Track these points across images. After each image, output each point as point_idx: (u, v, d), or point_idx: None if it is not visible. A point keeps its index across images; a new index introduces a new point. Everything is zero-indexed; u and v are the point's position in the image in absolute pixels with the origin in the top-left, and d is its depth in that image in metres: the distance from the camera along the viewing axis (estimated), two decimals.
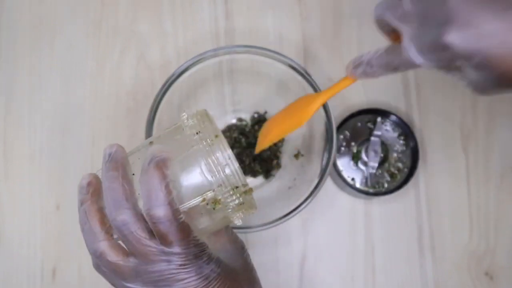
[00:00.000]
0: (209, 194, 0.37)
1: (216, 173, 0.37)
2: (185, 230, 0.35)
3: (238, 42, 0.68)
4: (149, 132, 0.57)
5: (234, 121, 0.66)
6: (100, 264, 0.38)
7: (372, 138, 0.62)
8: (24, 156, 0.66)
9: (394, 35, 0.41)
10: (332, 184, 0.65)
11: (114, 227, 0.35)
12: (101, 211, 0.37)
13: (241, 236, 0.64)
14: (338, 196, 0.65)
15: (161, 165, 0.35)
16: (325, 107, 0.57)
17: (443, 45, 0.33)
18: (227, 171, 0.37)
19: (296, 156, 0.63)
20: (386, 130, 0.63)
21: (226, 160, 0.37)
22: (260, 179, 0.65)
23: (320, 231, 0.64)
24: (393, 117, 0.63)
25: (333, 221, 0.64)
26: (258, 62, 0.59)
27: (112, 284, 0.39)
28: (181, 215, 0.35)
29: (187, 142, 0.38)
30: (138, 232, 0.35)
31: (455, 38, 0.33)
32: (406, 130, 0.63)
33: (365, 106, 0.65)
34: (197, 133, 0.38)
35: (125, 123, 0.67)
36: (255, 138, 0.65)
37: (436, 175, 0.65)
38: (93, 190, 0.38)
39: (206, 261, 0.37)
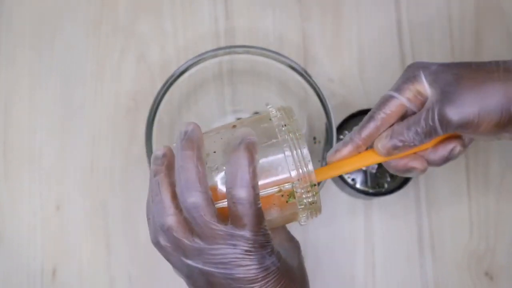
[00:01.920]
0: (287, 186, 0.38)
1: (300, 167, 0.38)
2: (260, 217, 0.36)
3: (238, 42, 0.68)
4: (149, 132, 0.57)
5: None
6: (165, 238, 0.38)
7: None
8: (24, 156, 0.66)
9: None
10: (332, 184, 0.65)
11: (184, 208, 0.36)
12: (173, 185, 0.37)
13: None
14: (338, 196, 0.65)
15: (251, 147, 0.36)
16: (325, 107, 0.57)
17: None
18: (310, 167, 0.38)
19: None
20: None
21: (308, 157, 0.38)
22: None
23: (320, 231, 0.64)
24: None
25: (333, 221, 0.64)
26: (258, 63, 0.59)
27: (168, 260, 0.39)
28: (260, 201, 0.36)
29: (274, 132, 0.39)
30: (207, 216, 0.35)
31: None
32: None
33: (365, 106, 0.65)
34: (285, 125, 0.39)
35: (125, 123, 0.67)
36: None
37: (436, 175, 0.65)
38: (168, 163, 0.38)
39: (270, 252, 0.37)
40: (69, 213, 0.65)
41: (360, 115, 0.63)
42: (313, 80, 0.57)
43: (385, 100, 0.43)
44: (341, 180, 0.61)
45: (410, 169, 0.43)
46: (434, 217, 0.64)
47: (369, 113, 0.43)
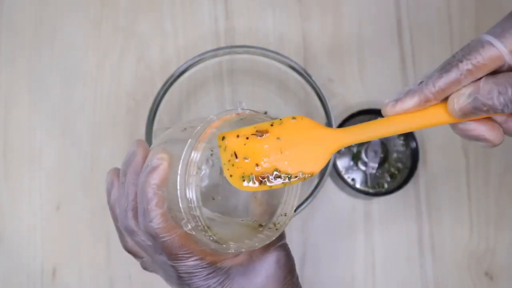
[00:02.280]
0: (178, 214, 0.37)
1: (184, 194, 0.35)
2: (170, 247, 0.37)
3: (238, 42, 0.68)
4: (149, 132, 0.57)
5: None
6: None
7: None
8: (24, 156, 0.66)
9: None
10: (332, 184, 0.65)
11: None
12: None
13: None
14: (338, 196, 0.65)
15: (155, 176, 0.36)
16: (325, 107, 0.57)
17: None
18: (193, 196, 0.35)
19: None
20: None
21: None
22: None
23: (320, 231, 0.64)
24: None
25: (333, 221, 0.64)
26: (258, 62, 0.59)
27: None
28: (163, 235, 0.36)
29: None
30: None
31: None
32: None
33: (365, 106, 0.65)
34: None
35: (125, 123, 0.67)
36: None
37: (436, 175, 0.65)
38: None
39: (204, 277, 0.37)
40: (69, 213, 0.65)
41: (360, 115, 0.63)
42: (313, 80, 0.57)
43: (479, 46, 0.32)
44: (341, 180, 0.61)
45: (483, 141, 0.34)
46: (434, 217, 0.64)
47: (450, 58, 0.33)
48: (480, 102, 0.32)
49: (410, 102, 0.33)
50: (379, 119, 0.35)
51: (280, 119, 0.35)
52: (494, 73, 0.32)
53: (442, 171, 0.65)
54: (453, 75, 0.32)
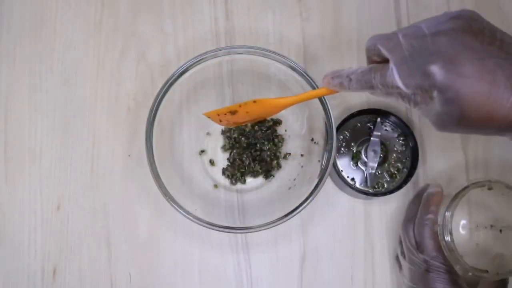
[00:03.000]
0: None
1: None
2: None
3: (238, 42, 0.68)
4: (149, 132, 0.57)
5: None
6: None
7: (372, 138, 0.62)
8: (24, 156, 0.66)
9: (377, 63, 0.44)
10: (332, 184, 0.65)
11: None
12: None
13: (241, 236, 0.64)
14: (338, 196, 0.65)
15: None
16: (325, 107, 0.57)
17: (425, 73, 0.38)
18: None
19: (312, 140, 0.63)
20: (385, 130, 0.63)
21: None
22: (260, 179, 0.65)
23: (320, 231, 0.64)
24: (392, 118, 0.63)
25: (333, 221, 0.65)
26: (258, 63, 0.59)
27: None
28: None
29: None
30: None
31: (437, 69, 0.38)
32: (405, 131, 0.63)
33: (365, 106, 0.65)
34: None
35: (125, 123, 0.67)
36: (255, 138, 0.65)
37: (436, 175, 0.65)
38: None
39: None
40: (69, 213, 0.65)
41: (360, 115, 0.63)
42: (312, 80, 0.57)
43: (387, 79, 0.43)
44: (341, 180, 0.61)
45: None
46: None
47: (368, 76, 0.44)
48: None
49: (338, 85, 0.46)
50: (309, 91, 0.53)
51: (245, 102, 0.52)
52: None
53: (443, 170, 0.65)
54: (368, 85, 0.44)
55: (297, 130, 0.65)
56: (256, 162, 0.65)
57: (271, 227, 0.56)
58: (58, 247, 0.64)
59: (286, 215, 0.55)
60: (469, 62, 0.38)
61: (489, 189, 0.55)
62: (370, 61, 0.44)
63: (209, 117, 0.55)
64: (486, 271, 0.54)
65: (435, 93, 0.39)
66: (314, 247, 0.64)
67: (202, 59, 0.57)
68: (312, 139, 0.62)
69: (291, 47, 0.68)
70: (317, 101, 0.57)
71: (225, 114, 0.54)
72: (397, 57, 0.40)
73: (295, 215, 0.55)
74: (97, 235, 0.65)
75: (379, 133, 0.62)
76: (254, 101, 0.52)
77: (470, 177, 0.65)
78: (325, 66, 0.67)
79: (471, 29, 0.39)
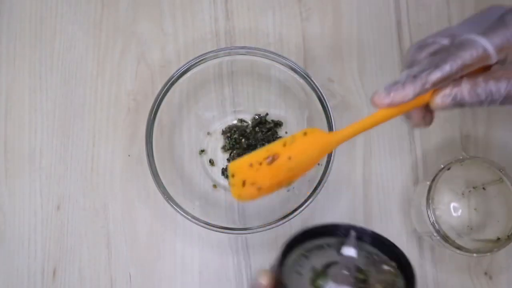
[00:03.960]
0: None
1: None
2: None
3: (238, 42, 0.68)
4: (149, 132, 0.57)
5: (235, 122, 0.66)
6: None
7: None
8: (24, 156, 0.66)
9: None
10: (332, 185, 0.65)
11: None
12: None
13: (241, 237, 0.64)
14: (338, 196, 0.65)
15: None
16: (325, 107, 0.57)
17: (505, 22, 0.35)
18: None
19: None
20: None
21: None
22: None
23: None
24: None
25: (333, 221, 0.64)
26: (258, 63, 0.59)
27: None
28: None
29: None
30: None
31: None
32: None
33: (365, 106, 0.65)
34: None
35: (125, 123, 0.67)
36: (256, 139, 0.65)
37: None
38: None
39: None
40: (69, 213, 0.65)
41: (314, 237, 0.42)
42: (313, 81, 0.57)
43: (469, 45, 0.36)
44: None
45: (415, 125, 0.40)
46: None
47: (444, 54, 0.36)
48: (460, 101, 0.36)
49: (404, 93, 0.36)
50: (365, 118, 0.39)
51: (293, 136, 0.40)
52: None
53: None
54: (446, 71, 0.35)
55: (297, 131, 0.65)
56: None
57: (271, 228, 0.56)
58: (58, 247, 0.64)
59: (286, 216, 0.55)
60: None
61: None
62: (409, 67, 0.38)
63: (233, 175, 0.41)
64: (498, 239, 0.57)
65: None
66: None
67: (202, 59, 0.57)
68: None
69: (291, 47, 0.68)
70: (317, 101, 0.57)
71: (260, 164, 0.39)
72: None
73: (295, 216, 0.55)
74: (97, 235, 0.65)
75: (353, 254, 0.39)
76: (305, 133, 0.39)
77: None
78: (325, 66, 0.67)
79: None
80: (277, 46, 0.67)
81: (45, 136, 0.67)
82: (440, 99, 0.37)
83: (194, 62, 0.57)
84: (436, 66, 0.36)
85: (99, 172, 0.66)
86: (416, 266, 0.63)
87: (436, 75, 0.36)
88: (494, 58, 0.35)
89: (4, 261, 0.64)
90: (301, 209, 0.55)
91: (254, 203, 0.64)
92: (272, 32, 0.68)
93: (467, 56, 0.35)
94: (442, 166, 0.58)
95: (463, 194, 0.63)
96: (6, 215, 0.65)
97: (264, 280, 0.35)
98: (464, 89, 0.36)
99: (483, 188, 0.62)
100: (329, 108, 0.56)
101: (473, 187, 0.63)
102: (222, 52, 0.57)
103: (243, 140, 0.65)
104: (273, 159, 0.39)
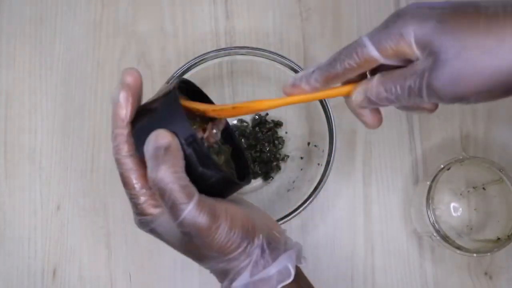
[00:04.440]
0: None
1: None
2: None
3: (238, 42, 0.68)
4: None
5: (235, 122, 0.66)
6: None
7: None
8: (24, 156, 0.66)
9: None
10: (332, 185, 0.65)
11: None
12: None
13: None
14: (338, 196, 0.65)
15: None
16: (325, 107, 0.57)
17: (398, 32, 0.34)
18: None
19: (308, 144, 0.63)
20: None
21: None
22: (259, 181, 0.65)
23: (320, 232, 0.64)
24: None
25: (333, 221, 0.65)
26: (258, 63, 0.59)
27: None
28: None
29: None
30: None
31: (430, 25, 0.34)
32: None
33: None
34: None
35: None
36: (256, 139, 0.65)
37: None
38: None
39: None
40: (69, 213, 0.65)
41: None
42: None
43: (356, 48, 0.37)
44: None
45: (421, 110, 0.39)
46: None
47: (334, 54, 0.38)
48: (371, 100, 0.38)
49: (301, 89, 0.40)
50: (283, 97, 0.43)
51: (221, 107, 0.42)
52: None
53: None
54: (332, 71, 0.38)
55: (297, 132, 0.65)
56: (256, 163, 0.65)
57: None
58: (58, 247, 0.64)
59: (285, 216, 0.55)
60: (465, 18, 0.33)
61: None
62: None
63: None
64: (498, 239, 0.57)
65: (415, 51, 0.34)
66: (314, 247, 0.64)
67: (202, 59, 0.57)
68: (312, 142, 0.63)
69: (291, 47, 0.68)
70: (317, 102, 0.57)
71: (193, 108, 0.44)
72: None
73: (294, 216, 0.55)
74: (97, 235, 0.65)
75: None
76: (234, 107, 0.42)
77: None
78: None
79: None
80: (277, 46, 0.67)
81: (45, 136, 0.67)
82: (354, 95, 0.39)
83: (194, 62, 0.57)
84: (328, 65, 0.38)
85: (99, 172, 0.66)
86: (416, 266, 0.63)
87: (326, 74, 0.38)
88: (379, 58, 0.36)
89: (4, 261, 0.64)
90: (301, 209, 0.55)
91: (254, 203, 0.64)
92: (272, 32, 0.68)
93: (355, 59, 0.37)
94: (442, 166, 0.58)
95: (462, 194, 0.63)
96: (6, 215, 0.65)
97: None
98: (372, 86, 0.37)
99: (483, 188, 0.62)
100: (329, 108, 0.56)
101: (473, 187, 0.63)
102: (222, 52, 0.57)
103: (243, 140, 0.65)
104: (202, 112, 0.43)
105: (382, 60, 0.36)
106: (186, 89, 0.44)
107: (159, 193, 0.37)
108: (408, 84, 0.35)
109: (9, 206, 0.65)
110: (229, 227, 0.39)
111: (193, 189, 0.38)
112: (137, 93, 0.42)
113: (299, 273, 0.43)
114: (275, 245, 0.42)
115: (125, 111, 0.42)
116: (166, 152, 0.37)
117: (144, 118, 0.41)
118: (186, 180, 0.37)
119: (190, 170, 0.38)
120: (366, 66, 0.37)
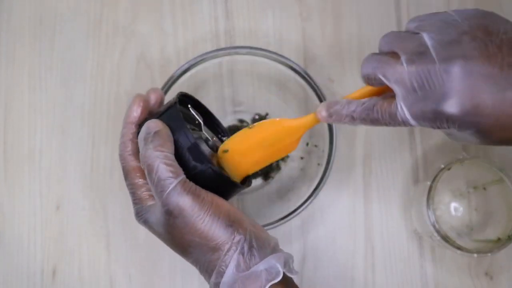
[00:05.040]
0: None
1: None
2: None
3: (238, 42, 0.68)
4: None
5: (235, 122, 0.66)
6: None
7: None
8: (24, 156, 0.66)
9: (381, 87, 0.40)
10: (332, 185, 0.65)
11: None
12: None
13: None
14: (338, 196, 0.65)
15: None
16: None
17: (440, 114, 0.35)
18: None
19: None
20: None
21: None
22: (259, 181, 0.65)
23: (320, 231, 0.64)
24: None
25: (333, 221, 0.64)
26: (258, 63, 0.59)
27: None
28: None
29: None
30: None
31: (453, 107, 0.34)
32: None
33: None
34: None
35: None
36: None
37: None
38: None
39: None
40: (69, 213, 0.65)
41: None
42: (313, 81, 0.57)
43: (394, 116, 0.39)
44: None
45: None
46: None
47: (368, 105, 0.41)
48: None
49: (336, 121, 0.43)
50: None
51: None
52: None
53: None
54: (365, 121, 0.41)
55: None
56: None
57: (271, 228, 0.56)
58: (58, 248, 0.64)
59: (285, 217, 0.55)
60: (489, 96, 0.34)
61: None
62: (367, 83, 0.41)
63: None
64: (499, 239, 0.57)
65: (451, 126, 0.36)
66: (314, 247, 0.64)
67: (202, 59, 0.57)
68: (311, 142, 0.62)
69: (291, 47, 0.68)
70: (317, 101, 0.57)
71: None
72: (404, 91, 0.37)
73: (294, 216, 0.55)
74: (97, 235, 0.64)
75: None
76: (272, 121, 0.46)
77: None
78: (325, 66, 0.67)
79: (487, 49, 0.35)
80: (277, 46, 0.67)
81: (45, 136, 0.67)
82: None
83: (194, 62, 0.57)
84: (364, 113, 0.41)
85: (99, 172, 0.66)
86: (416, 266, 0.63)
87: (360, 118, 0.41)
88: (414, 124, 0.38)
89: (4, 261, 0.64)
90: (301, 209, 0.55)
91: (253, 204, 0.64)
92: (272, 32, 0.68)
93: (381, 120, 0.40)
94: (442, 166, 0.58)
95: (463, 194, 0.63)
96: (5, 215, 0.65)
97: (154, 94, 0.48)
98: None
99: (484, 188, 0.62)
100: None
101: (474, 187, 0.63)
102: (222, 52, 0.57)
103: None
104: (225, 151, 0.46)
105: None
106: (187, 101, 0.49)
107: (147, 172, 0.41)
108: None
109: (8, 206, 0.65)
110: (213, 211, 0.40)
111: (179, 170, 0.41)
112: (152, 105, 0.48)
113: (288, 278, 0.43)
114: (262, 244, 0.42)
115: (136, 114, 0.46)
116: (155, 135, 0.41)
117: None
118: (172, 159, 0.41)
119: (184, 166, 0.42)
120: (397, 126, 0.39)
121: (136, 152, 0.45)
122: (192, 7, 0.69)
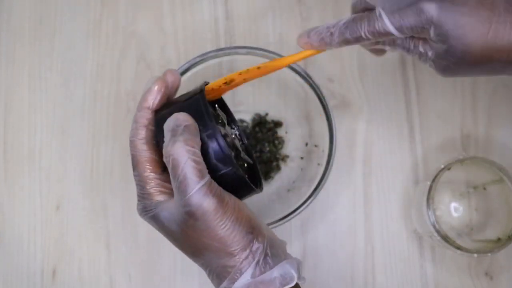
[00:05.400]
0: None
1: None
2: None
3: (238, 42, 0.68)
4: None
5: None
6: None
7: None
8: (24, 156, 0.66)
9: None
10: (332, 185, 0.65)
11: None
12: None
13: None
14: (338, 196, 0.65)
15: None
16: (325, 107, 0.57)
17: (417, 10, 0.36)
18: None
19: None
20: None
21: None
22: None
23: (320, 231, 0.64)
24: None
25: (333, 221, 0.64)
26: (258, 63, 0.59)
27: None
28: None
29: None
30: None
31: (431, 3, 0.35)
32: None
33: (365, 106, 0.65)
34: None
35: (125, 123, 0.67)
36: (256, 139, 0.65)
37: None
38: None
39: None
40: (69, 213, 0.65)
41: None
42: (313, 81, 0.57)
43: (374, 24, 0.40)
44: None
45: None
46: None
47: (349, 22, 0.41)
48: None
49: (318, 43, 0.43)
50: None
51: (246, 70, 0.46)
52: None
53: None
54: (349, 38, 0.41)
55: (297, 132, 0.65)
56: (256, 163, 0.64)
57: (271, 228, 0.56)
58: (58, 248, 0.64)
59: (285, 217, 0.55)
60: None
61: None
62: (355, 12, 0.42)
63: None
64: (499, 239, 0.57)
65: (431, 31, 0.36)
66: (314, 247, 0.64)
67: (202, 59, 0.57)
68: (311, 142, 0.62)
69: (291, 47, 0.67)
70: (317, 101, 0.57)
71: (220, 87, 0.47)
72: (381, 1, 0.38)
73: (294, 216, 0.55)
74: (97, 235, 0.64)
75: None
76: (259, 67, 0.46)
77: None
78: (325, 66, 0.67)
79: None
80: (277, 46, 0.67)
81: (45, 136, 0.67)
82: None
83: (194, 62, 0.57)
84: (344, 29, 0.41)
85: (99, 172, 0.66)
86: (417, 266, 0.63)
87: (341, 37, 0.41)
88: (397, 35, 0.38)
89: (4, 261, 0.64)
90: (301, 209, 0.55)
91: (253, 204, 0.64)
92: (272, 32, 0.68)
93: (370, 30, 0.39)
94: (442, 166, 0.58)
95: (463, 194, 0.63)
96: (5, 215, 0.65)
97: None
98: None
99: (484, 188, 0.62)
100: (329, 108, 0.56)
101: (474, 187, 0.63)
102: (222, 52, 0.57)
103: None
104: (230, 81, 0.46)
105: (398, 36, 0.38)
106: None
107: (172, 166, 0.37)
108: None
109: (8, 206, 0.65)
110: (236, 217, 0.38)
111: (205, 170, 0.38)
112: (170, 90, 0.44)
113: (297, 285, 0.42)
114: (276, 252, 0.41)
115: (154, 98, 0.42)
116: (185, 129, 0.38)
117: (169, 108, 0.42)
118: (200, 157, 0.38)
119: (206, 161, 0.39)
120: (379, 39, 0.40)
121: (150, 141, 0.41)
122: (192, 7, 0.69)
